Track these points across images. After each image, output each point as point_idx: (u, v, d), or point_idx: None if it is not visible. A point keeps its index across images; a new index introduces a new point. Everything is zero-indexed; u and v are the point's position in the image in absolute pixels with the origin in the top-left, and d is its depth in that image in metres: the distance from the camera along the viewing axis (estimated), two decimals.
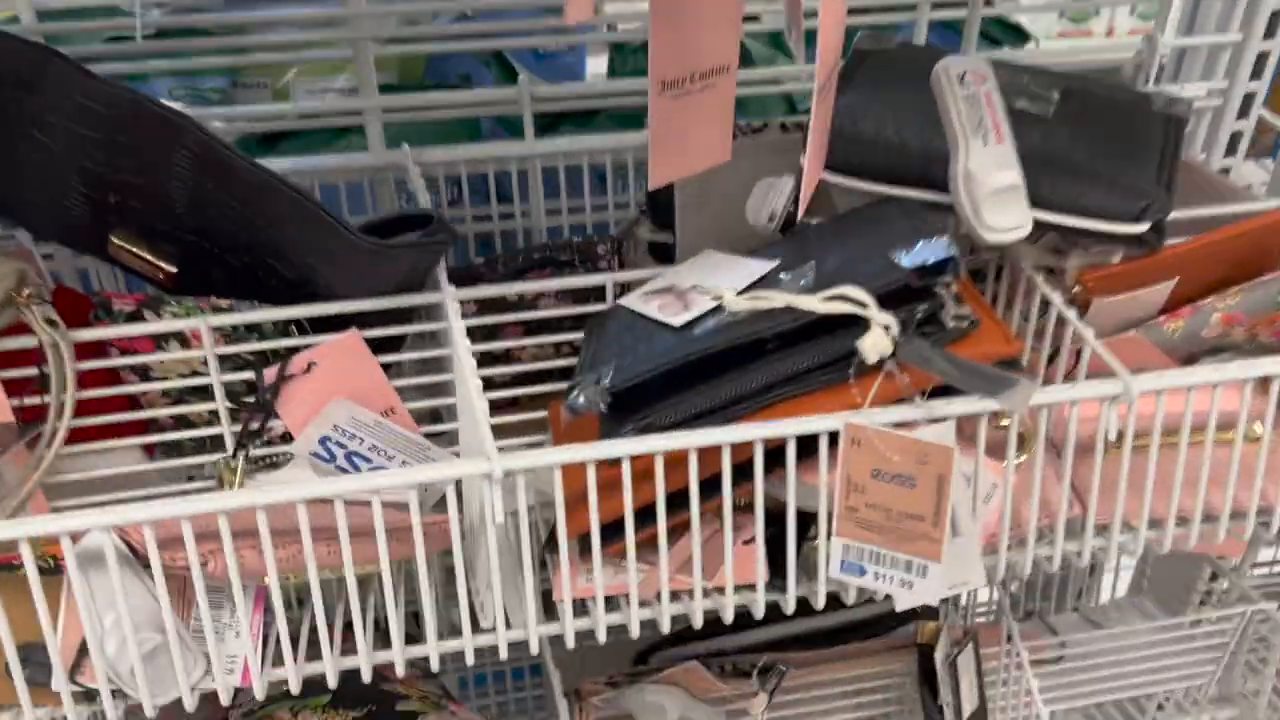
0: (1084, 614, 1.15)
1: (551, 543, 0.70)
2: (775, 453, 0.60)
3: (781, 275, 0.64)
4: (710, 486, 0.60)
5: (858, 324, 0.58)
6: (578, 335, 0.75)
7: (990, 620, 1.20)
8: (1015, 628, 1.02)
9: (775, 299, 0.60)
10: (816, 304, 0.58)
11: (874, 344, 0.57)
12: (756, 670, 0.90)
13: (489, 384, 0.66)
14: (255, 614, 0.62)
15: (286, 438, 0.72)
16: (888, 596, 0.63)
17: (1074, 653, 1.04)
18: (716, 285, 0.64)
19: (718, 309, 0.63)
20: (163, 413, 0.73)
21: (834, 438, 0.59)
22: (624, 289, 0.75)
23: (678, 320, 0.63)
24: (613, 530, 0.62)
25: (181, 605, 0.60)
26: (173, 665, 0.57)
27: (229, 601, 0.61)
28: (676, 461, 0.59)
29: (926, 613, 0.97)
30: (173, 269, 0.72)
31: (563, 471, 0.58)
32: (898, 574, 0.61)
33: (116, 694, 0.58)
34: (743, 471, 0.60)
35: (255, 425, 0.71)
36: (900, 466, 0.58)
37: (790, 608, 0.64)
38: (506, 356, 0.80)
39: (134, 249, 0.72)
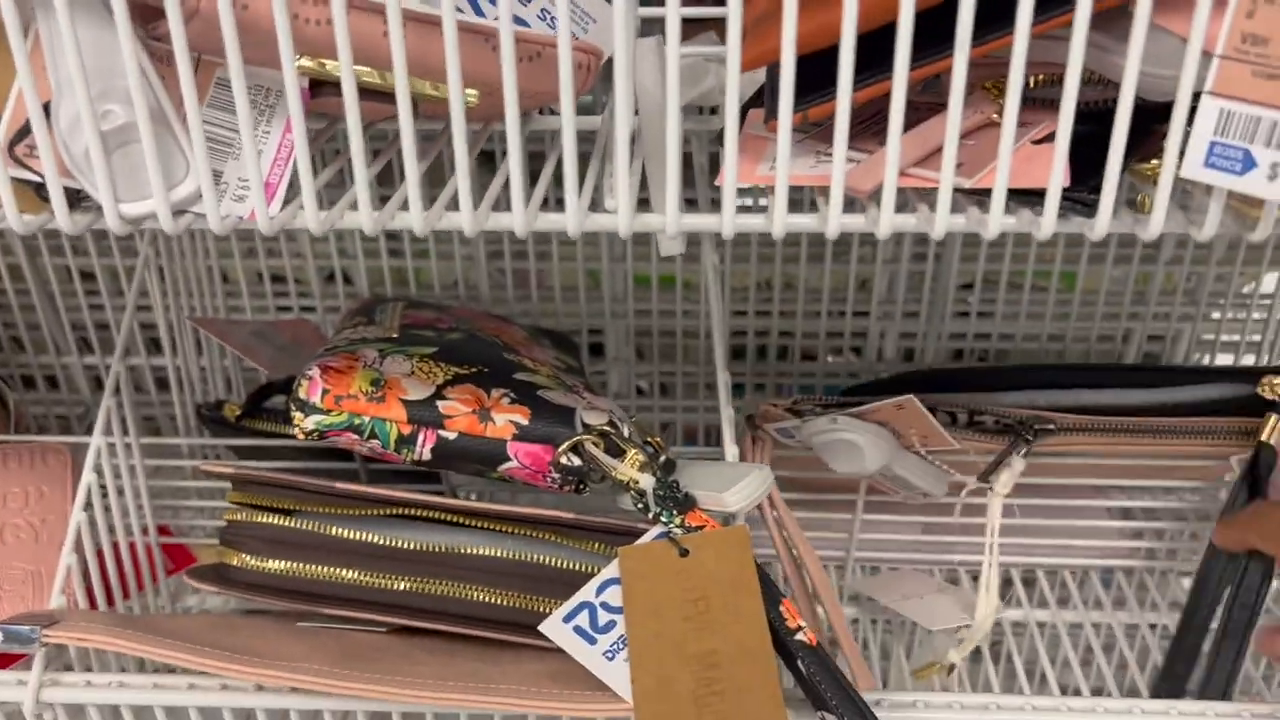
0: None
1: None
2: None
3: None
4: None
5: None
6: None
7: None
8: None
9: None
10: None
11: None
12: (1013, 424, 0.64)
13: None
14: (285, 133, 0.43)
15: None
16: None
17: None
18: None
19: None
20: None
21: None
22: None
23: None
24: (814, 74, 0.38)
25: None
26: (147, 161, 0.39)
27: (263, 103, 0.42)
28: None
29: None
30: None
31: None
32: None
33: (80, 200, 0.41)
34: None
35: None
36: None
37: (1099, 230, 0.39)
38: None
39: None
